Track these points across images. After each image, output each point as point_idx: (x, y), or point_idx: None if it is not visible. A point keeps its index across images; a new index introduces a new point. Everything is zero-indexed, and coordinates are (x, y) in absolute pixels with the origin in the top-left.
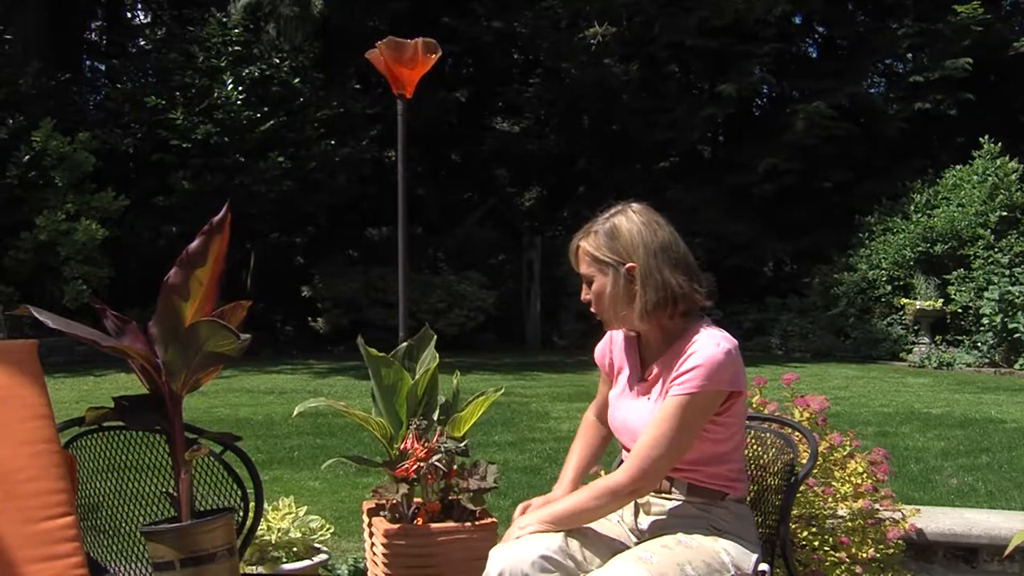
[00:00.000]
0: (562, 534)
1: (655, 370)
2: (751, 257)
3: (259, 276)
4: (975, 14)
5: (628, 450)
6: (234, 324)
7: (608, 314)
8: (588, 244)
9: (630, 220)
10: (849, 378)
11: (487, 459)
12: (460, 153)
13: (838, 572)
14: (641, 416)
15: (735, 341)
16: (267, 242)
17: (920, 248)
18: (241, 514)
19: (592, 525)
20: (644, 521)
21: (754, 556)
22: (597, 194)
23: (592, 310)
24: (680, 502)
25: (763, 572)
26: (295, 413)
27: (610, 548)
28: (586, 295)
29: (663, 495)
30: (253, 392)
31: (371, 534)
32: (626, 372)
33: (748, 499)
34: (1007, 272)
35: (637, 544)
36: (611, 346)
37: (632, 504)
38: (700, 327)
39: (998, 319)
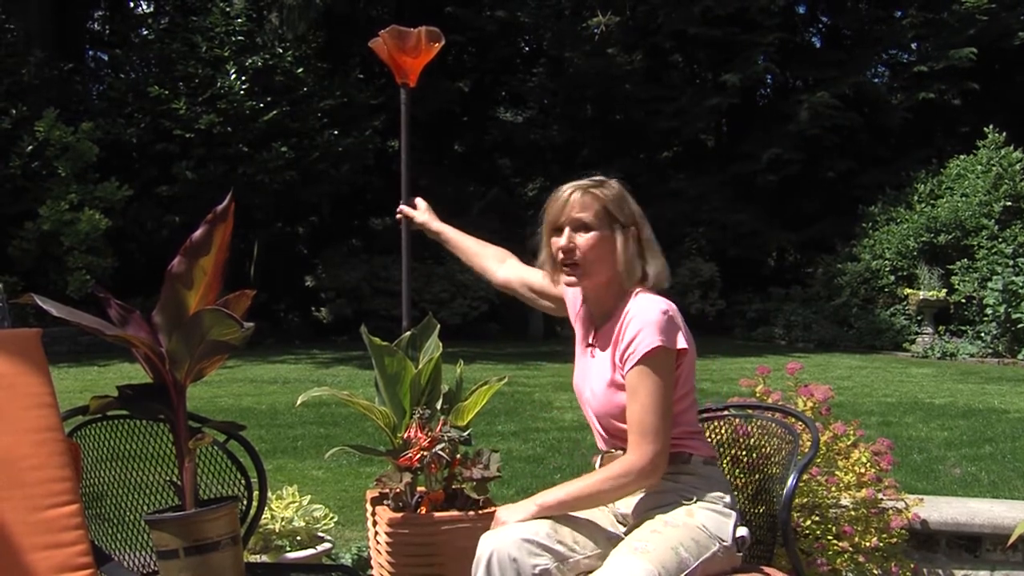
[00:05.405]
0: (550, 519)
1: (596, 334)
2: (754, 247)
3: (262, 266)
4: (979, 4)
5: (593, 417)
6: (238, 313)
7: (594, 267)
8: (603, 194)
9: (627, 192)
10: (852, 368)
11: (490, 448)
12: (463, 143)
13: (841, 561)
14: (587, 375)
15: (671, 303)
16: (270, 232)
17: (924, 238)
18: (245, 503)
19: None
20: (622, 505)
21: (731, 521)
22: None
23: (575, 257)
24: None
25: (742, 538)
26: (298, 402)
27: (599, 533)
28: (572, 241)
29: None
30: (257, 382)
31: (375, 523)
32: (579, 334)
33: (751, 488)
34: (1011, 262)
35: (623, 528)
36: (575, 300)
37: None
38: (633, 293)
39: (1001, 309)
